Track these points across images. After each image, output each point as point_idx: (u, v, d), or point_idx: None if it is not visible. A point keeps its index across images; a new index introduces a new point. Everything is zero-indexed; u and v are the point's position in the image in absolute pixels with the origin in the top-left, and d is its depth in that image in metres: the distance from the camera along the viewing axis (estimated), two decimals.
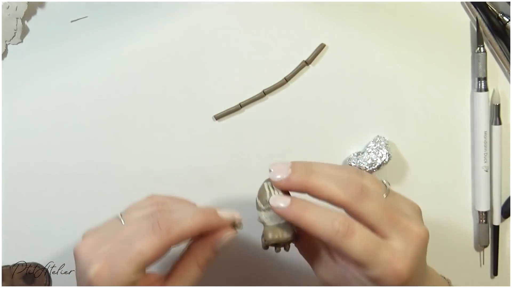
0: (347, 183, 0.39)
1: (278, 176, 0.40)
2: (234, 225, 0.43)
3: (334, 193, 0.39)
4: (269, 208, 0.41)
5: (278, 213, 0.40)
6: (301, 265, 0.45)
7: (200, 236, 0.42)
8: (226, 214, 0.43)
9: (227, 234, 0.42)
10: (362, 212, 0.39)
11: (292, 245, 0.43)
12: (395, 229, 0.39)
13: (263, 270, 0.56)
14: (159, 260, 0.40)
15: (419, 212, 0.43)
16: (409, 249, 0.39)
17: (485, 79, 0.54)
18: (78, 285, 0.41)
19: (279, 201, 0.40)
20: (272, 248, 0.42)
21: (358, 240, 0.38)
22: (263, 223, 0.42)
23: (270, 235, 0.41)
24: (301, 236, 0.43)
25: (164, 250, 0.39)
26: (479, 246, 0.57)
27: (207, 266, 0.42)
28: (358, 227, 0.39)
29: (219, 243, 0.42)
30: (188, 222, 0.40)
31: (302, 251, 0.44)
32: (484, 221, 0.56)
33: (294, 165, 0.41)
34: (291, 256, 0.45)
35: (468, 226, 0.57)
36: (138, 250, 0.38)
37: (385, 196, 0.41)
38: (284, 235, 0.41)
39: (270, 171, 0.41)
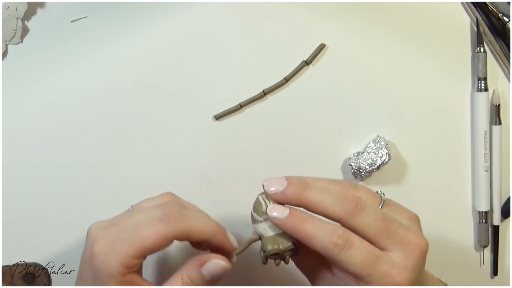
0: (343, 197, 0.40)
1: (273, 189, 0.41)
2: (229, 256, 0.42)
3: (330, 208, 0.39)
4: (266, 219, 0.41)
5: (276, 224, 0.40)
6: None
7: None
8: (232, 238, 0.42)
9: (217, 262, 0.41)
10: (359, 226, 0.39)
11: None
12: (394, 241, 0.39)
13: (264, 272, 0.56)
14: (161, 250, 0.40)
15: (417, 221, 0.42)
16: (409, 261, 0.39)
17: (485, 79, 0.54)
18: (80, 263, 0.42)
19: (277, 211, 0.40)
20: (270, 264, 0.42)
21: (357, 253, 0.38)
22: (261, 235, 0.41)
23: (269, 246, 0.41)
24: (298, 248, 0.43)
25: (167, 240, 0.39)
26: (479, 246, 0.57)
27: (192, 285, 0.41)
28: (356, 240, 0.39)
29: (206, 267, 0.41)
30: (199, 224, 0.40)
31: (299, 264, 0.44)
32: (484, 221, 0.56)
33: (289, 178, 0.41)
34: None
35: (468, 226, 0.57)
36: (142, 234, 0.39)
37: (380, 208, 0.41)
38: (284, 244, 0.41)
39: (263, 185, 0.41)
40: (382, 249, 0.39)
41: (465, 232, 0.57)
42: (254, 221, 0.42)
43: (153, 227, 0.39)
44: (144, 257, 0.40)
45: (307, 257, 0.43)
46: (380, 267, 0.38)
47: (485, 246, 0.57)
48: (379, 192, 0.43)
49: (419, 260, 0.39)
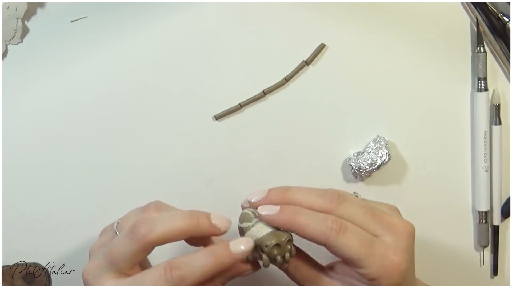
0: (324, 191, 0.41)
1: (256, 197, 0.42)
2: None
3: (314, 202, 0.40)
4: (257, 222, 0.41)
5: (269, 221, 0.40)
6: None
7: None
8: (220, 220, 0.41)
9: (248, 271, 0.42)
10: (345, 214, 0.40)
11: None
12: (381, 226, 0.40)
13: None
14: (142, 258, 0.40)
15: (396, 210, 0.44)
16: (400, 241, 0.40)
17: (485, 79, 0.54)
18: None
19: (268, 208, 0.40)
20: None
21: (353, 236, 0.39)
22: (255, 238, 0.41)
23: (268, 241, 0.40)
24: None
25: (141, 254, 0.39)
26: (479, 246, 0.57)
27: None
28: (350, 224, 0.39)
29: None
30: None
31: (293, 277, 0.44)
32: (484, 221, 0.56)
33: (270, 188, 0.42)
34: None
35: (468, 226, 0.57)
36: (116, 258, 0.39)
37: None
38: (283, 235, 0.41)
39: (242, 205, 0.42)
40: (373, 235, 0.40)
41: (465, 232, 0.57)
42: (244, 230, 0.42)
43: (123, 248, 0.39)
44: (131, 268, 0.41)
45: (301, 268, 0.43)
46: (377, 249, 0.39)
47: (485, 246, 0.57)
48: (354, 193, 0.43)
49: (409, 241, 0.40)
